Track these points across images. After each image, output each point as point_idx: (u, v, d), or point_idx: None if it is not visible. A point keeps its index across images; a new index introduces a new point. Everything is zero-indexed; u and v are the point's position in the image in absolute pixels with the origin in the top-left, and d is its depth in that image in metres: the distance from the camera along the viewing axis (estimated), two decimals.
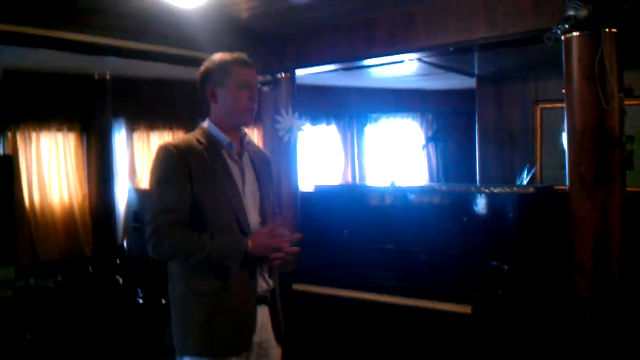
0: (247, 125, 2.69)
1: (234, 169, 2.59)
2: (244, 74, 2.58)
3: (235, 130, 2.64)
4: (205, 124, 2.64)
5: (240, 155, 2.65)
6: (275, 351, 2.72)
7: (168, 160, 2.48)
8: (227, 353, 2.50)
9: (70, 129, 6.23)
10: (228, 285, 2.49)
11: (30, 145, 5.96)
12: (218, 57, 2.62)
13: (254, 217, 2.62)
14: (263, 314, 2.64)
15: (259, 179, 2.69)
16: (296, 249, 2.61)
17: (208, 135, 2.59)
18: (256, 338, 2.59)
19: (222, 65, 2.58)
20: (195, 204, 2.46)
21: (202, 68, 2.63)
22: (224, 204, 2.51)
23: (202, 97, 2.64)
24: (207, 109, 2.66)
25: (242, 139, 2.67)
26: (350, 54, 5.03)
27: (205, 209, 2.47)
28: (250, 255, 2.49)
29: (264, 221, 2.66)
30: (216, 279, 2.49)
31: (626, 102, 3.78)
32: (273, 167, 2.91)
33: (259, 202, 2.67)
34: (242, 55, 2.62)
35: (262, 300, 2.64)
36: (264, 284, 2.63)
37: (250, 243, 2.49)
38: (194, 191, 2.45)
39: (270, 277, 2.67)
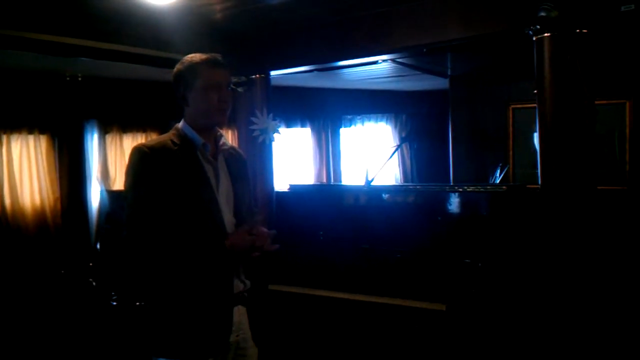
0: (219, 125, 2.66)
1: (208, 170, 2.57)
2: (212, 75, 2.53)
3: (209, 130, 2.62)
4: (180, 124, 2.61)
5: (215, 156, 2.63)
6: (252, 350, 2.72)
7: (142, 162, 2.46)
8: (203, 354, 2.49)
9: (41, 131, 6.13)
10: (203, 287, 2.49)
11: (0, 148, 5.86)
12: (188, 58, 2.59)
13: (227, 217, 2.60)
14: (240, 314, 2.64)
15: (233, 179, 2.67)
16: (276, 246, 2.58)
17: (182, 135, 2.57)
18: (232, 338, 2.59)
19: (191, 67, 2.55)
20: (169, 205, 2.44)
21: (174, 70, 2.61)
22: (198, 204, 2.50)
23: (176, 99, 2.62)
24: (182, 109, 2.64)
25: (217, 140, 2.66)
26: (325, 55, 5.04)
27: (180, 210, 2.46)
28: (228, 254, 2.48)
29: (238, 221, 2.64)
30: (192, 280, 2.48)
31: (596, 102, 3.86)
32: (248, 166, 2.90)
33: (233, 203, 2.65)
34: (212, 56, 2.58)
35: (238, 300, 2.63)
36: (240, 285, 2.63)
37: (227, 243, 2.47)
38: (168, 192, 2.44)
39: (246, 277, 2.67)
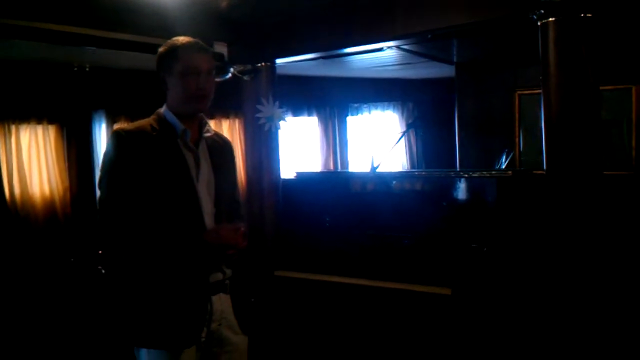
0: (200, 112, 2.55)
1: (188, 158, 2.48)
2: (192, 60, 2.43)
3: (191, 116, 2.52)
4: (162, 109, 2.53)
5: (197, 143, 2.54)
6: (238, 338, 2.64)
7: (117, 146, 2.39)
8: (181, 343, 2.43)
9: (49, 121, 6.17)
10: (178, 277, 2.42)
11: (10, 138, 5.89)
12: (171, 40, 2.50)
13: (207, 207, 2.52)
14: (221, 302, 2.57)
15: (215, 168, 2.58)
16: (245, 243, 2.51)
17: (162, 121, 2.48)
18: (213, 326, 2.53)
19: (171, 50, 2.45)
20: (146, 192, 2.37)
21: (158, 51, 2.51)
22: (175, 193, 2.42)
23: (160, 85, 2.53)
24: (164, 94, 2.55)
25: (200, 126, 2.57)
26: (330, 42, 5.05)
27: (155, 198, 2.39)
28: (202, 249, 2.42)
29: (218, 211, 2.56)
30: (166, 269, 2.41)
31: (602, 87, 3.85)
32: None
33: (214, 192, 2.56)
34: (193, 39, 2.49)
35: (218, 288, 2.56)
36: (218, 275, 2.55)
37: (204, 238, 2.42)
38: (144, 179, 2.36)
39: (226, 266, 2.59)
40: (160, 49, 2.50)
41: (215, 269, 2.54)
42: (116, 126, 6.59)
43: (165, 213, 2.40)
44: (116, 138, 2.40)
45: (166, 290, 2.42)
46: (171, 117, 2.48)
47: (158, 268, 2.42)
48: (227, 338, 2.60)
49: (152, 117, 2.51)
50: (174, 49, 2.45)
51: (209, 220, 2.51)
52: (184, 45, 2.45)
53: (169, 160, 2.43)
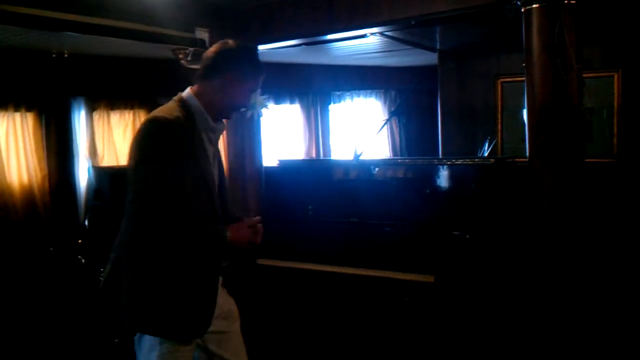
0: (227, 118, 2.69)
1: (209, 151, 2.59)
2: (260, 81, 2.62)
3: (217, 115, 2.63)
4: (192, 101, 2.54)
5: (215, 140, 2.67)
6: (235, 322, 2.76)
7: (161, 135, 2.38)
8: (189, 335, 2.52)
9: (28, 108, 6.08)
10: (199, 270, 2.50)
11: None
12: (253, 51, 2.68)
13: (216, 198, 2.62)
14: (222, 291, 2.69)
15: (218, 163, 2.72)
16: (260, 239, 2.64)
17: (192, 113, 2.52)
18: (216, 312, 2.60)
19: (256, 65, 2.59)
20: (178, 184, 2.38)
21: (230, 47, 2.56)
22: (203, 186, 2.50)
23: (207, 73, 2.56)
24: (202, 80, 2.59)
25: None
26: (313, 28, 5.01)
27: (186, 190, 2.41)
28: (229, 246, 2.50)
29: (222, 201, 2.67)
30: (189, 263, 2.47)
31: (584, 75, 3.85)
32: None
33: (218, 183, 2.67)
34: (262, 62, 2.65)
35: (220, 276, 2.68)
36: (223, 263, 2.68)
37: (229, 234, 2.47)
38: (180, 168, 2.38)
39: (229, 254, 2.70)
40: (246, 53, 2.60)
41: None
42: (97, 114, 6.55)
43: (193, 206, 2.44)
44: (160, 126, 2.39)
45: (187, 282, 2.47)
46: (201, 110, 2.53)
47: (185, 260, 2.45)
48: (226, 320, 2.70)
49: (177, 105, 2.52)
50: (261, 67, 2.61)
51: (219, 211, 2.61)
52: (261, 67, 2.61)
53: (200, 154, 2.51)
